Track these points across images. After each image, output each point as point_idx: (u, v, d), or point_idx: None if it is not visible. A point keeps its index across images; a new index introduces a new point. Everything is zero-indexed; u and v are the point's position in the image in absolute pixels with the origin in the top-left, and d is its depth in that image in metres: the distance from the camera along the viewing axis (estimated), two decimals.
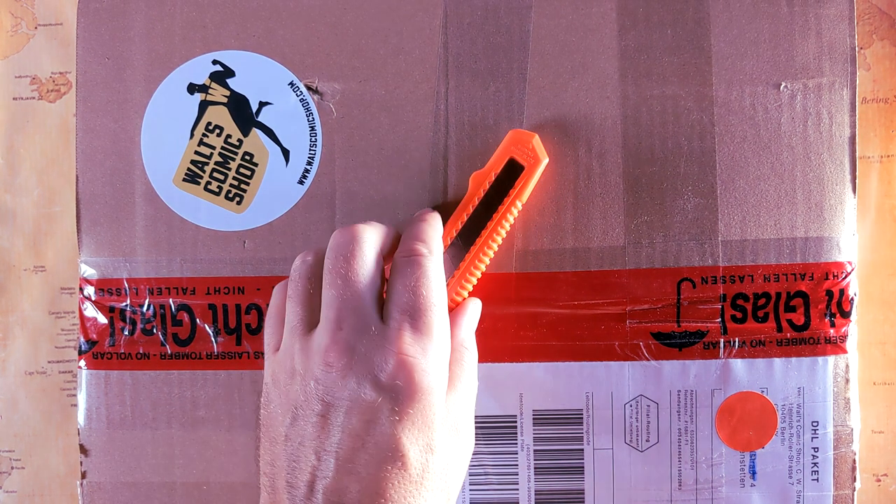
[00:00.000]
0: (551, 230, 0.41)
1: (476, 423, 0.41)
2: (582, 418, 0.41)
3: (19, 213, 0.45)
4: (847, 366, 0.40)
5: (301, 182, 0.41)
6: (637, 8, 0.41)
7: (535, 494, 0.41)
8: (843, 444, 0.41)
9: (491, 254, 0.38)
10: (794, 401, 0.41)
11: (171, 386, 0.42)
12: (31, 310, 0.45)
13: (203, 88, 0.41)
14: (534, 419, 0.41)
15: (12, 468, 0.46)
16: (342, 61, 0.41)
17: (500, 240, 0.38)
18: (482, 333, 0.41)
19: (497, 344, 0.41)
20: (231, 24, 0.41)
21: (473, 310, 0.38)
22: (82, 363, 0.42)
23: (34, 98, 0.45)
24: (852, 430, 0.41)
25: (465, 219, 0.38)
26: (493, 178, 0.39)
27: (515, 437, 0.41)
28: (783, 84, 0.40)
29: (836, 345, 0.40)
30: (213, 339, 0.41)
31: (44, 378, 0.46)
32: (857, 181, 0.40)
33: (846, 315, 0.40)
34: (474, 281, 0.38)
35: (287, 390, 0.33)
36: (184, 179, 0.42)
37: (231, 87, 0.41)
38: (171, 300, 0.41)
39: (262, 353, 0.41)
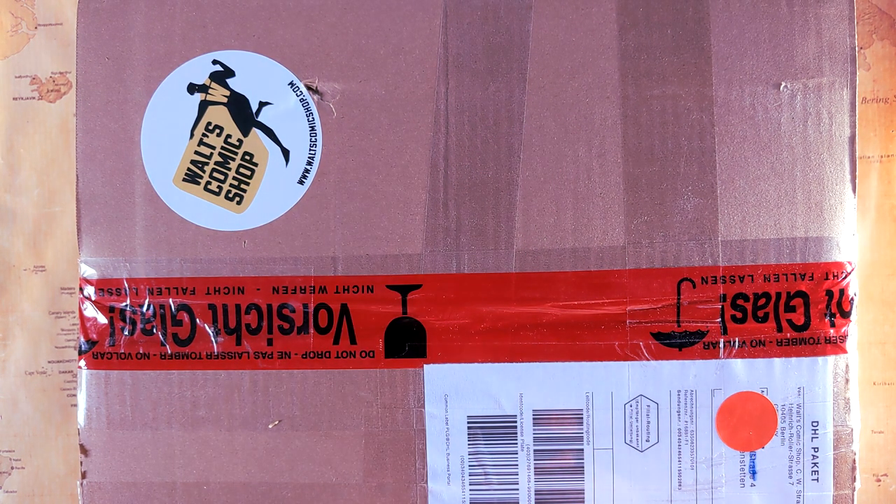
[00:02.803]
0: (551, 230, 0.41)
1: (476, 423, 0.41)
2: (582, 418, 0.41)
3: (19, 213, 0.45)
4: (847, 366, 0.40)
5: (301, 182, 0.41)
6: (637, 8, 0.41)
7: (535, 494, 0.41)
8: (843, 444, 0.41)
9: None
10: (794, 401, 0.41)
11: (171, 386, 0.42)
12: (31, 310, 0.45)
13: (203, 88, 0.41)
14: (534, 419, 0.41)
15: (12, 468, 0.46)
16: (342, 61, 0.41)
17: None
18: (482, 333, 0.41)
19: (497, 344, 0.41)
20: (231, 24, 0.41)
21: None
22: (82, 363, 0.42)
23: (34, 98, 0.45)
24: (852, 430, 0.41)
25: None
26: None
27: (515, 437, 0.41)
28: (783, 84, 0.40)
29: (836, 345, 0.40)
30: (213, 339, 0.41)
31: (44, 378, 0.46)
32: (857, 181, 0.40)
33: (846, 315, 0.40)
34: None
35: None
36: (184, 179, 0.42)
37: (231, 87, 0.41)
38: (171, 300, 0.41)
39: (262, 353, 0.41)
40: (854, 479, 0.41)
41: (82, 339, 0.42)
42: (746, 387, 0.41)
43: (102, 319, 0.41)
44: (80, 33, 0.42)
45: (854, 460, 0.41)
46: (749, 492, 0.41)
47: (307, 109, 0.41)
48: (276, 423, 0.41)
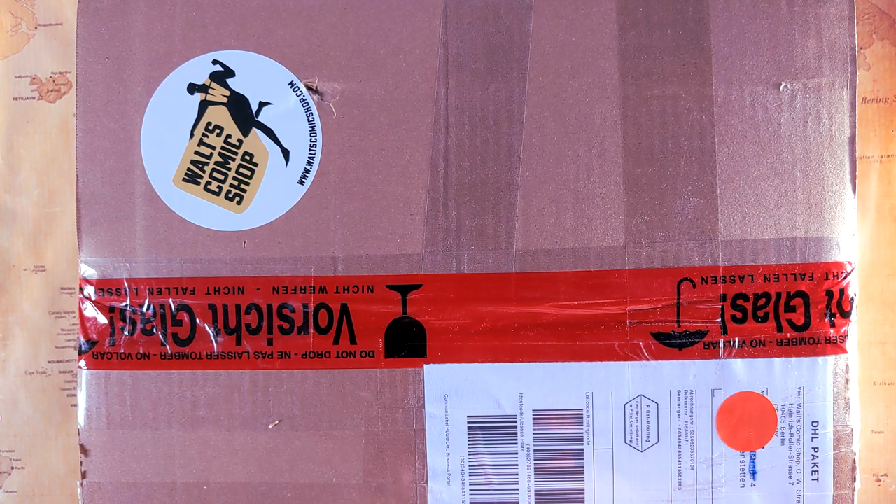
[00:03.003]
0: (551, 230, 0.41)
1: (476, 423, 0.41)
2: (582, 418, 0.41)
3: (19, 213, 0.45)
4: (847, 366, 0.40)
5: (301, 182, 0.41)
6: (637, 8, 0.41)
7: (535, 494, 0.41)
8: (843, 444, 0.41)
9: None
10: (794, 401, 0.41)
11: (171, 386, 0.42)
12: (31, 310, 0.45)
13: (203, 88, 0.41)
14: (534, 419, 0.41)
15: (12, 468, 0.46)
16: (342, 61, 0.41)
17: None
18: (482, 333, 0.41)
19: (497, 344, 0.41)
20: (231, 24, 0.41)
21: None
22: (82, 363, 0.42)
23: (34, 98, 0.45)
24: (852, 430, 0.41)
25: None
26: None
27: (515, 437, 0.41)
28: (783, 84, 0.40)
29: (836, 345, 0.40)
30: (213, 339, 0.41)
31: (44, 378, 0.46)
32: (857, 181, 0.40)
33: (846, 315, 0.40)
34: None
35: None
36: (184, 179, 0.42)
37: (231, 87, 0.41)
38: (171, 300, 0.41)
39: (262, 353, 0.41)
40: (854, 479, 0.41)
41: (82, 339, 0.42)
42: (746, 387, 0.41)
43: (102, 319, 0.41)
44: (80, 33, 0.42)
45: (854, 460, 0.41)
46: (749, 492, 0.41)
47: (307, 109, 0.41)
48: (276, 423, 0.41)
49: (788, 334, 0.40)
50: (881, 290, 0.44)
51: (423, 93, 0.41)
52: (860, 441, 0.42)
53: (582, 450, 0.41)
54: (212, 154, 0.41)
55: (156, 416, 0.42)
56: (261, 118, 0.41)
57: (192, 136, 0.41)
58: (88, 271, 0.41)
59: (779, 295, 0.40)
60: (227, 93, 0.41)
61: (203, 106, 0.41)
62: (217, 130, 0.41)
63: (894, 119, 0.44)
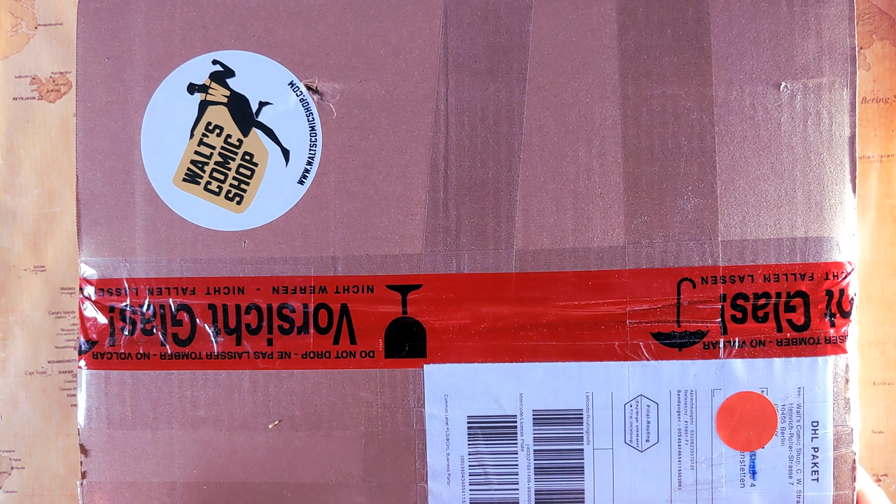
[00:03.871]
0: (551, 230, 0.41)
1: (476, 423, 0.41)
2: (582, 418, 0.41)
3: (19, 213, 0.45)
4: (847, 366, 0.40)
5: (301, 182, 0.41)
6: (637, 8, 0.41)
7: (535, 494, 0.41)
8: (843, 444, 0.41)
9: None
10: (794, 401, 0.41)
11: (171, 386, 0.42)
12: (31, 310, 0.45)
13: (203, 88, 0.41)
14: (534, 419, 0.41)
15: (12, 468, 0.46)
16: (342, 61, 0.41)
17: None
18: (482, 333, 0.41)
19: (497, 344, 0.41)
20: (231, 24, 0.41)
21: None
22: (82, 363, 0.42)
23: (34, 98, 0.45)
24: (852, 430, 0.41)
25: None
26: None
27: (515, 437, 0.41)
28: (783, 84, 0.40)
29: (836, 345, 0.40)
30: (213, 339, 0.41)
31: (44, 378, 0.46)
32: (857, 181, 0.40)
33: (846, 315, 0.40)
34: None
35: None
36: (184, 179, 0.42)
37: (231, 86, 0.41)
38: (170, 300, 0.41)
39: (262, 353, 0.41)
40: (854, 479, 0.41)
41: (82, 339, 0.42)
42: (746, 387, 0.41)
43: (102, 319, 0.41)
44: (80, 33, 0.42)
45: (854, 460, 0.41)
46: (749, 492, 0.41)
47: (307, 109, 0.41)
48: (276, 423, 0.41)
49: (788, 334, 0.40)
50: (881, 290, 0.44)
51: (423, 93, 0.41)
52: (860, 441, 0.42)
53: (582, 450, 0.41)
54: (212, 154, 0.41)
55: (156, 416, 0.42)
56: (261, 118, 0.41)
57: (192, 136, 0.42)
58: (88, 271, 0.41)
59: (779, 295, 0.40)
60: (227, 93, 0.41)
61: (203, 106, 0.41)
62: (217, 130, 0.41)
63: (894, 119, 0.44)
